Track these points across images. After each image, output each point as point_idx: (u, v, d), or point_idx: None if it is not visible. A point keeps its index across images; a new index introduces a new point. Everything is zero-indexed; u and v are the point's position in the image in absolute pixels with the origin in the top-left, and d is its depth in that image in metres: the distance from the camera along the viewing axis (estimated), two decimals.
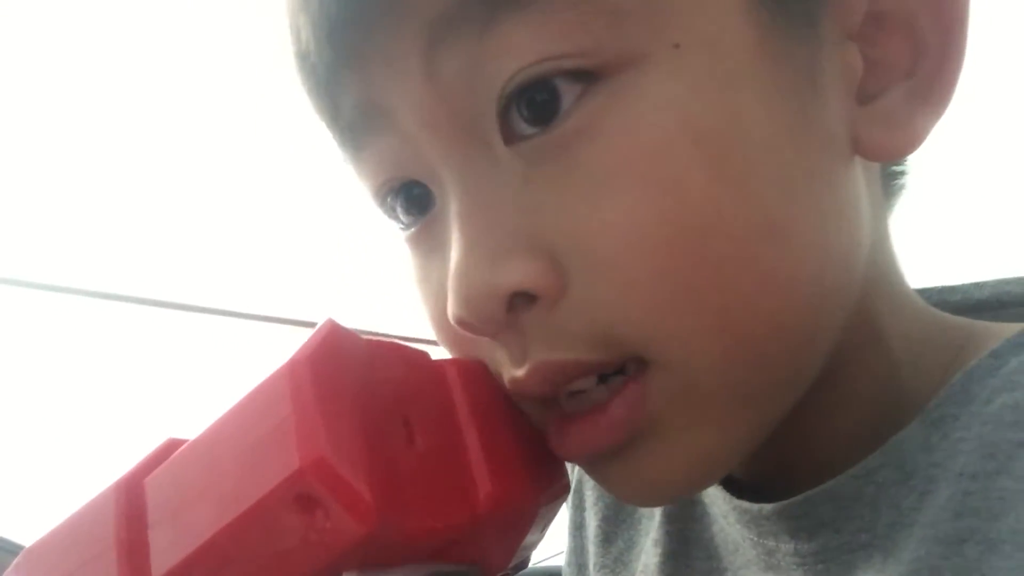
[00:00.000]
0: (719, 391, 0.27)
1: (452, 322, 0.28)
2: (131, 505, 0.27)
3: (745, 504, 0.33)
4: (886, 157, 0.29)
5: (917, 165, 0.35)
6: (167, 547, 0.25)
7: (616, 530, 0.43)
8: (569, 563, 0.47)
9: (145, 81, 1.19)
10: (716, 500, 0.36)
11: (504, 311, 0.27)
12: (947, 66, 0.28)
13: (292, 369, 0.24)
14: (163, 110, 1.23)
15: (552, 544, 0.47)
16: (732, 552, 0.36)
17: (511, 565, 0.31)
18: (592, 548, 0.44)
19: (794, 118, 0.27)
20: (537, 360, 0.27)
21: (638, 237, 0.25)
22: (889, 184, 0.34)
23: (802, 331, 0.28)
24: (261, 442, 0.24)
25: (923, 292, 0.35)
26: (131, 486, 0.27)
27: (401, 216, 0.32)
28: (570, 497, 0.47)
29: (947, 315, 0.34)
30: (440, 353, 0.31)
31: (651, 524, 0.41)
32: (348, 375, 0.25)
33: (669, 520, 0.40)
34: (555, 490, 0.30)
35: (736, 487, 0.35)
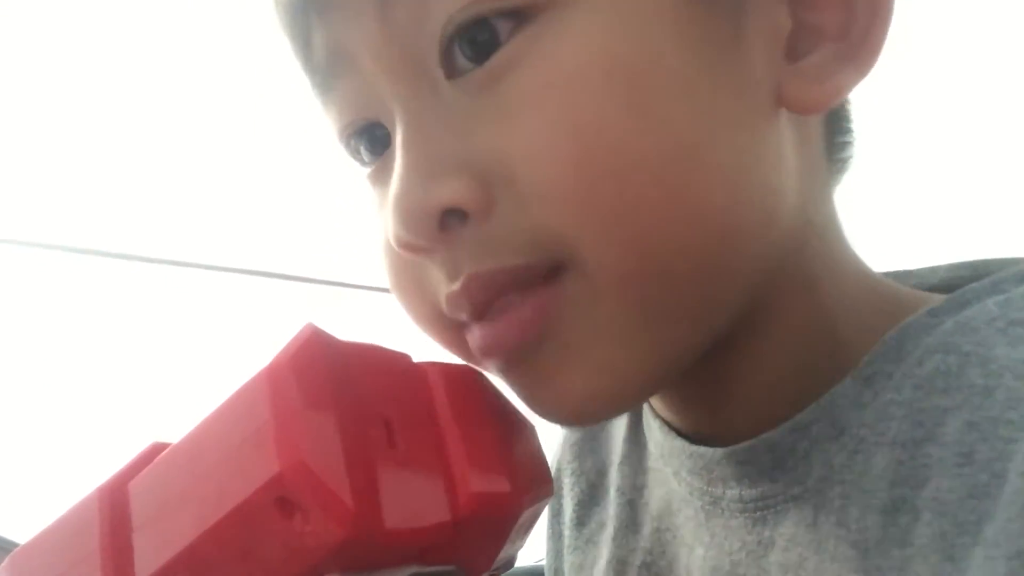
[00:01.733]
0: (625, 305, 0.29)
1: (393, 243, 0.30)
2: (115, 509, 0.27)
3: (701, 449, 0.35)
4: (807, 110, 0.31)
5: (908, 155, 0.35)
6: (151, 551, 0.26)
7: (589, 512, 0.44)
8: (548, 550, 0.48)
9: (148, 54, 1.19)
10: (671, 457, 0.37)
11: (437, 227, 0.29)
12: (874, 31, 0.29)
13: (271, 374, 0.24)
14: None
15: (540, 545, 0.48)
16: (675, 512, 0.38)
17: (496, 566, 0.31)
18: (567, 532, 0.45)
19: (714, 61, 0.29)
20: (469, 272, 0.29)
21: (552, 156, 0.27)
22: (834, 152, 0.35)
23: (711, 259, 0.29)
24: (241, 447, 0.24)
25: (887, 274, 0.36)
26: (115, 490, 0.28)
27: (364, 156, 0.34)
28: None
29: (894, 283, 0.35)
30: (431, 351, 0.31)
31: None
32: (328, 379, 0.25)
33: (620, 493, 0.41)
34: (539, 492, 0.30)
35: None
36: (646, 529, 0.39)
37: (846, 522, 0.30)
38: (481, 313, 0.30)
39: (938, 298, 0.32)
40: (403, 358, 0.29)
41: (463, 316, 0.30)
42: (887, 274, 0.37)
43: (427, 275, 0.31)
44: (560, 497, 0.47)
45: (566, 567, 0.45)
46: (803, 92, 0.30)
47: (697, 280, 0.29)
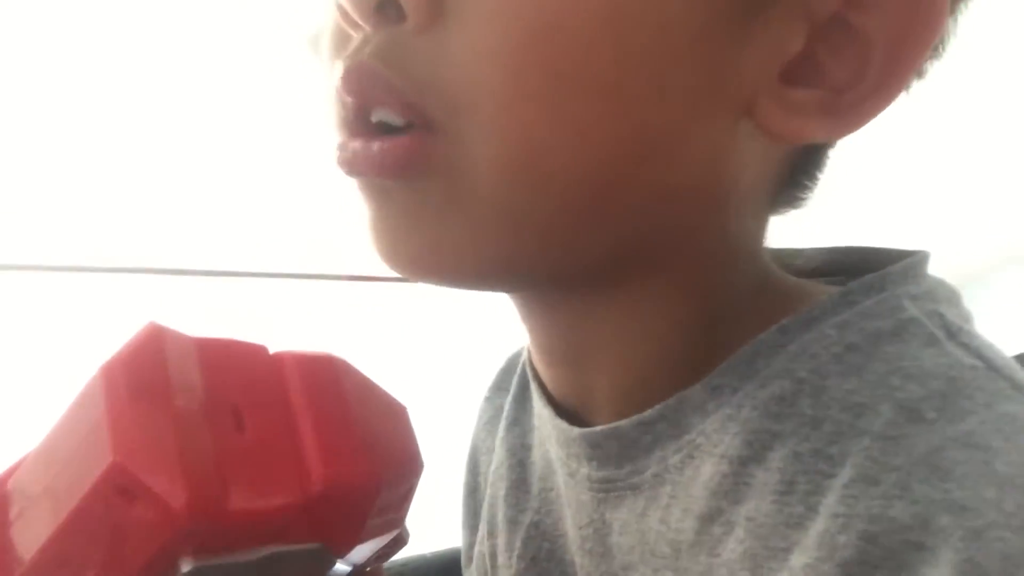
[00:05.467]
0: (488, 191, 0.28)
1: (335, 6, 0.29)
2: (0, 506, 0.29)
3: (562, 424, 0.36)
4: (766, 134, 0.29)
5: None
6: (23, 545, 0.27)
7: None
8: (464, 524, 0.49)
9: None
10: (545, 421, 0.38)
11: (372, 8, 0.28)
12: (870, 104, 0.28)
13: (105, 371, 0.26)
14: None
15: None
16: (554, 472, 0.39)
17: (380, 545, 0.32)
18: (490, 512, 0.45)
19: (714, 37, 0.27)
20: (366, 62, 0.28)
21: (515, 6, 0.26)
22: (790, 187, 0.34)
23: (588, 187, 0.28)
24: (85, 439, 0.26)
25: (772, 251, 0.36)
26: (1, 487, 0.29)
27: None
28: (465, 461, 0.50)
29: (786, 279, 0.35)
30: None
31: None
32: (167, 373, 0.26)
33: (511, 453, 0.43)
34: (402, 471, 0.31)
35: (562, 414, 0.37)
36: (535, 488, 0.40)
37: (668, 520, 0.31)
38: (355, 130, 0.29)
39: (808, 294, 0.32)
40: (260, 349, 0.30)
41: (338, 91, 0.30)
42: (784, 251, 0.37)
43: (343, 44, 0.30)
44: (476, 474, 0.48)
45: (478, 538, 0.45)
46: (771, 115, 0.28)
47: (569, 201, 0.28)
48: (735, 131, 0.29)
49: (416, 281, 0.31)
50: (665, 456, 0.32)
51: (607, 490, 0.34)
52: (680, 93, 0.27)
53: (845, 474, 0.26)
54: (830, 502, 0.26)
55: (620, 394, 0.34)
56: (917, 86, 0.31)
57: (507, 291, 0.35)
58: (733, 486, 0.29)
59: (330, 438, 0.28)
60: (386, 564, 0.37)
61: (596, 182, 0.28)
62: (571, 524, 0.36)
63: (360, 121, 0.29)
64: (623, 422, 0.33)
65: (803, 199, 0.35)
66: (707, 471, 0.30)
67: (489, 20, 0.26)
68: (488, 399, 0.49)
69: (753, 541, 0.28)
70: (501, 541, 0.42)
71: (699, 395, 0.31)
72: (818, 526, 0.26)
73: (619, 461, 0.33)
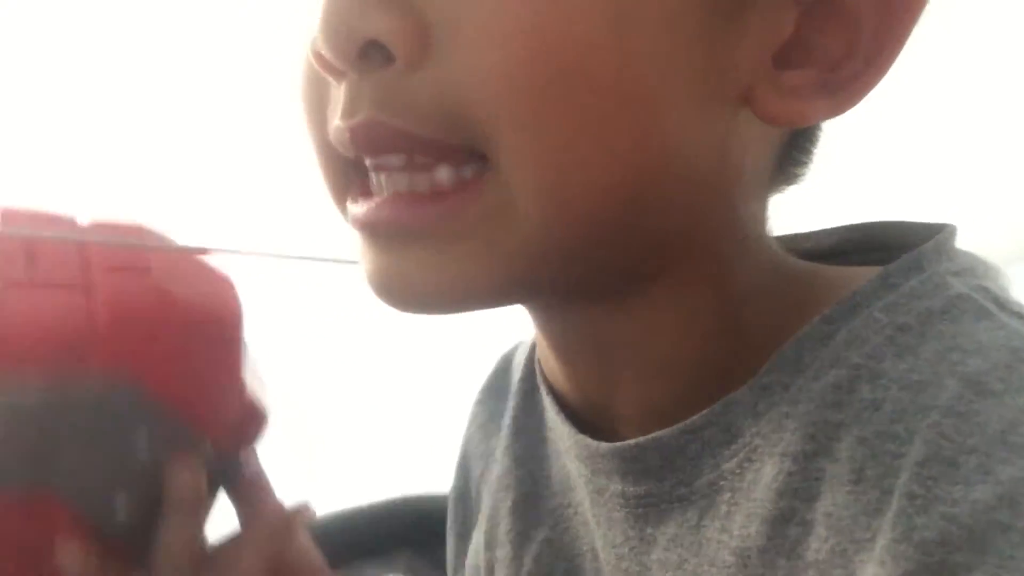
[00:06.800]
0: (528, 218, 0.27)
1: (310, 53, 0.28)
2: None
3: (585, 439, 0.34)
4: (766, 119, 0.29)
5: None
6: None
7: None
8: (450, 531, 0.48)
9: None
10: (561, 435, 0.36)
11: (355, 54, 0.26)
12: (863, 79, 0.28)
13: None
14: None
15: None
16: (572, 489, 0.37)
17: (227, 410, 0.34)
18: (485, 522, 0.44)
19: (710, 25, 0.27)
20: (370, 117, 0.27)
21: (511, 25, 0.25)
22: (788, 164, 0.34)
23: (617, 199, 0.27)
24: None
25: (779, 238, 0.35)
26: None
27: None
28: (455, 466, 0.48)
29: (797, 263, 0.34)
30: None
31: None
32: None
33: (519, 464, 0.40)
34: (211, 302, 0.32)
35: (580, 426, 0.35)
36: (549, 503, 0.38)
37: (730, 528, 0.30)
38: (360, 161, 0.29)
39: (836, 280, 0.31)
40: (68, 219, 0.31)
41: (336, 163, 0.30)
42: (786, 236, 0.36)
43: (328, 96, 0.29)
44: (467, 480, 0.46)
45: (472, 547, 0.44)
46: (769, 102, 0.28)
47: (598, 224, 0.28)
48: (736, 120, 0.29)
49: (425, 314, 0.30)
50: (718, 463, 0.30)
51: (647, 505, 0.32)
52: (685, 91, 0.27)
53: (916, 452, 0.25)
54: (904, 481, 0.25)
55: (644, 398, 0.33)
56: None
57: (528, 304, 0.34)
58: (803, 483, 0.28)
59: (121, 269, 0.29)
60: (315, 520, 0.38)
61: (624, 193, 0.28)
62: (602, 543, 0.34)
63: (358, 169, 0.29)
64: (664, 432, 0.31)
65: (800, 175, 0.35)
66: (769, 472, 0.29)
67: (483, 40, 0.25)
68: (480, 402, 0.47)
69: (838, 537, 0.26)
70: (503, 555, 0.40)
71: (747, 396, 0.30)
72: (894, 507, 0.25)
73: (661, 473, 0.32)
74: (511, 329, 0.43)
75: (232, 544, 0.38)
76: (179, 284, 0.31)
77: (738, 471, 0.30)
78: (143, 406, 0.29)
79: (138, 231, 0.32)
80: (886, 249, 0.32)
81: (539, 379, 0.39)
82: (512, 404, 0.42)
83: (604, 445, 0.33)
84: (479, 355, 0.51)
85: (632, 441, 0.32)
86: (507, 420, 0.42)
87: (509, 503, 0.40)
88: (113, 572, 0.35)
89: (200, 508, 0.36)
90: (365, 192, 0.29)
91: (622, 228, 0.29)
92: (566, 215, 0.27)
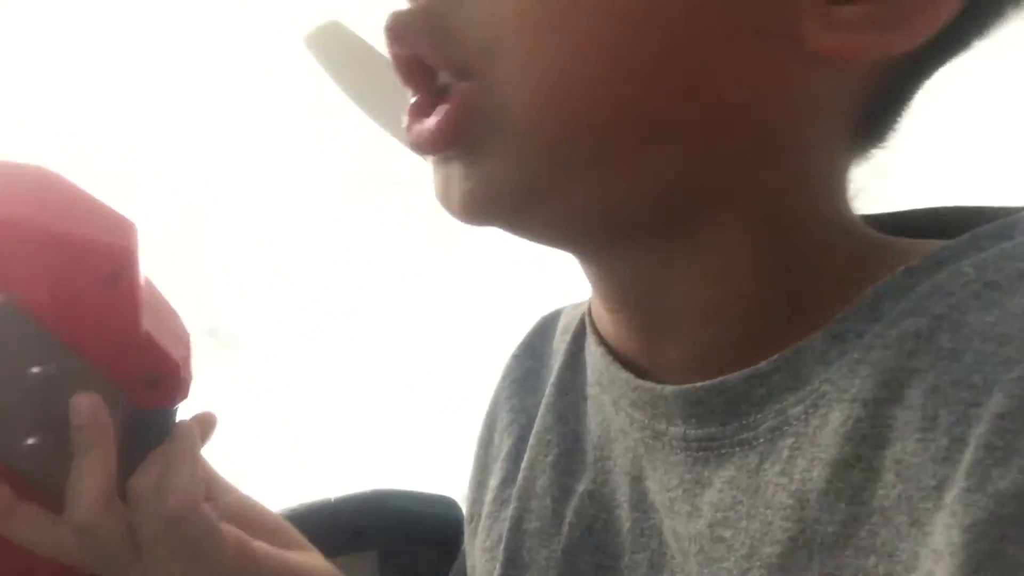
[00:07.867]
0: (526, 127, 0.30)
1: None
2: None
3: (648, 384, 0.35)
4: (818, 53, 0.29)
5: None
6: None
7: (528, 446, 0.44)
8: (472, 478, 0.48)
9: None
10: (611, 386, 0.37)
11: None
12: (927, 15, 0.28)
13: None
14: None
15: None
16: (612, 441, 0.38)
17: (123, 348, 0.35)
18: (501, 465, 0.45)
19: None
20: (413, 10, 0.31)
21: None
22: (869, 125, 0.33)
23: (628, 117, 0.29)
24: None
25: (864, 217, 0.35)
26: None
27: None
28: (484, 417, 0.49)
29: (872, 231, 0.34)
30: None
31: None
32: None
33: (563, 421, 0.41)
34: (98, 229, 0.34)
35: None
36: (589, 457, 0.39)
37: (790, 472, 0.30)
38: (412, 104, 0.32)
39: (917, 245, 0.31)
40: None
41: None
42: (865, 217, 0.35)
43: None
44: (492, 430, 0.47)
45: (488, 496, 0.45)
46: (818, 36, 0.28)
47: (606, 133, 0.29)
48: (786, 57, 0.29)
49: (480, 225, 0.33)
50: (784, 408, 0.30)
51: (708, 448, 0.32)
52: (714, 16, 0.28)
53: (996, 403, 0.25)
54: (981, 431, 0.25)
55: (694, 345, 0.33)
56: None
57: (573, 243, 0.35)
58: (872, 429, 0.27)
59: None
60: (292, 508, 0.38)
61: (634, 112, 0.29)
62: (657, 488, 0.35)
63: (412, 81, 0.31)
64: (731, 376, 0.31)
65: (884, 137, 0.34)
66: (837, 418, 0.28)
67: None
68: (517, 357, 0.47)
69: (905, 484, 0.26)
70: (538, 506, 0.41)
71: (820, 344, 0.30)
72: (968, 456, 0.25)
73: (724, 418, 0.32)
74: (501, 334, 0.44)
75: (139, 472, 0.38)
76: (59, 213, 0.32)
77: (803, 417, 0.30)
78: (18, 319, 0.31)
79: (37, 171, 0.34)
80: (970, 229, 0.31)
81: (589, 333, 0.39)
82: (559, 364, 0.43)
83: (669, 388, 0.33)
84: (470, 357, 0.51)
85: (698, 384, 0.32)
86: (552, 379, 0.43)
87: (551, 458, 0.41)
88: (31, 515, 0.37)
89: (107, 448, 0.37)
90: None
91: (642, 149, 0.30)
92: (569, 124, 0.29)
